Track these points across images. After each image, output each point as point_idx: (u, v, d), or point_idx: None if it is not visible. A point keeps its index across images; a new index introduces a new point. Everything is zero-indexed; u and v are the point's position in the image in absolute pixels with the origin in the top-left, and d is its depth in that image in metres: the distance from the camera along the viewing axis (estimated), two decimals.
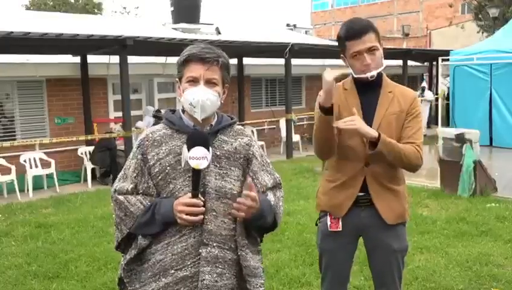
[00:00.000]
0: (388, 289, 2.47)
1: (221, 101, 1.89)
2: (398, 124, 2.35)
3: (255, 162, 1.92)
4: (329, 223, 2.45)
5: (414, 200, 6.78)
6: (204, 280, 1.78)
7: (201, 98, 1.80)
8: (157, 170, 1.83)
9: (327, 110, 2.20)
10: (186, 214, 1.75)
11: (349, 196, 2.39)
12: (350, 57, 2.32)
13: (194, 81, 1.82)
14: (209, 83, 1.83)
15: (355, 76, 2.36)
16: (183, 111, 1.91)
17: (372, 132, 2.22)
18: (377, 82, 2.38)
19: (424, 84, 16.07)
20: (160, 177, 1.83)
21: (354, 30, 2.28)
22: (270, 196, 1.92)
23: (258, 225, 1.87)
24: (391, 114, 2.35)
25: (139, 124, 10.54)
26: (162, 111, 8.55)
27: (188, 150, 1.76)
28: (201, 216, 1.77)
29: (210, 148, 1.78)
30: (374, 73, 2.30)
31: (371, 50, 2.29)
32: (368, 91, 2.38)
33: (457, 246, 4.94)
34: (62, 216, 6.68)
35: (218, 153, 1.85)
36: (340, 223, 2.43)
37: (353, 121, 2.18)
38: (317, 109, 2.28)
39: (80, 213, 6.78)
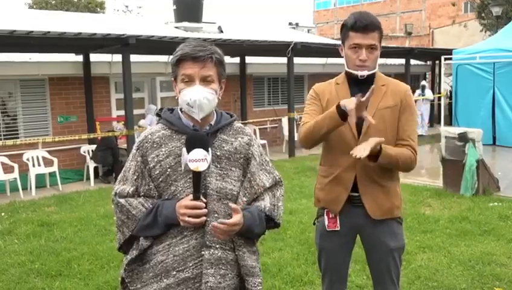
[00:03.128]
0: (386, 287, 2.49)
1: (219, 97, 1.87)
2: (391, 119, 2.35)
3: (253, 162, 1.90)
4: (327, 222, 2.46)
5: (416, 199, 6.78)
6: (208, 282, 1.77)
7: (198, 98, 1.77)
8: (157, 172, 1.81)
9: (345, 117, 2.21)
10: (189, 217, 1.74)
11: (344, 190, 2.40)
12: (348, 47, 2.33)
13: (189, 80, 1.81)
14: (205, 81, 1.81)
15: (347, 69, 2.37)
16: (182, 110, 1.89)
17: (376, 144, 2.20)
18: (370, 76, 2.37)
19: (424, 82, 15.98)
20: (161, 179, 1.82)
21: (362, 23, 2.28)
22: (267, 200, 1.90)
23: (245, 236, 1.86)
24: (384, 108, 2.35)
25: (141, 122, 10.56)
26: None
27: (187, 152, 1.74)
28: (204, 218, 1.76)
29: (210, 150, 1.77)
30: (365, 73, 2.31)
31: (371, 48, 2.29)
32: (360, 84, 2.36)
33: (459, 245, 4.93)
34: (65, 214, 6.70)
35: (218, 153, 1.84)
36: (338, 222, 2.43)
37: (365, 150, 2.16)
38: (333, 112, 2.23)
39: (83, 211, 6.80)
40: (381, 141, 2.21)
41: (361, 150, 2.15)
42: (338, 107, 2.22)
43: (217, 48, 1.86)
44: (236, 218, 1.73)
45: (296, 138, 11.97)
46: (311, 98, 2.48)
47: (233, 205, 1.75)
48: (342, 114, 2.20)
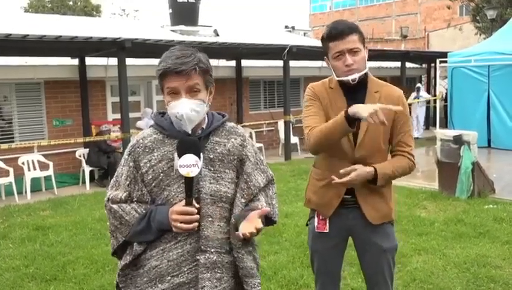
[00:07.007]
0: (379, 288, 2.49)
1: (209, 103, 1.85)
2: (385, 126, 2.31)
3: (248, 163, 1.89)
4: (316, 224, 2.47)
5: (412, 202, 6.80)
6: (204, 286, 1.76)
7: (185, 112, 1.74)
8: (150, 177, 1.80)
9: (354, 124, 2.18)
10: (181, 222, 1.73)
11: (336, 195, 2.40)
12: (333, 58, 2.32)
13: (174, 93, 1.77)
14: (191, 92, 1.77)
15: (337, 78, 2.35)
16: None
17: (369, 172, 2.28)
18: (362, 82, 2.36)
19: (419, 84, 16.01)
20: (154, 184, 1.80)
21: (337, 30, 2.27)
22: (262, 200, 1.90)
23: None
24: None
25: (138, 123, 10.56)
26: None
27: (179, 158, 1.73)
28: (196, 223, 1.75)
29: (201, 155, 1.76)
30: (356, 76, 2.28)
31: (354, 51, 2.27)
32: (353, 91, 2.36)
33: (455, 247, 4.94)
34: (60, 218, 6.68)
35: (211, 156, 1.82)
36: (327, 224, 2.44)
37: (354, 175, 2.25)
38: (342, 122, 2.16)
39: (78, 215, 6.78)
40: (367, 171, 2.27)
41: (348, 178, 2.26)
42: (346, 115, 2.14)
43: (201, 54, 1.81)
44: (260, 223, 1.72)
45: (292, 141, 12.01)
46: (310, 99, 2.43)
47: (265, 209, 1.77)
48: (351, 122, 2.15)
